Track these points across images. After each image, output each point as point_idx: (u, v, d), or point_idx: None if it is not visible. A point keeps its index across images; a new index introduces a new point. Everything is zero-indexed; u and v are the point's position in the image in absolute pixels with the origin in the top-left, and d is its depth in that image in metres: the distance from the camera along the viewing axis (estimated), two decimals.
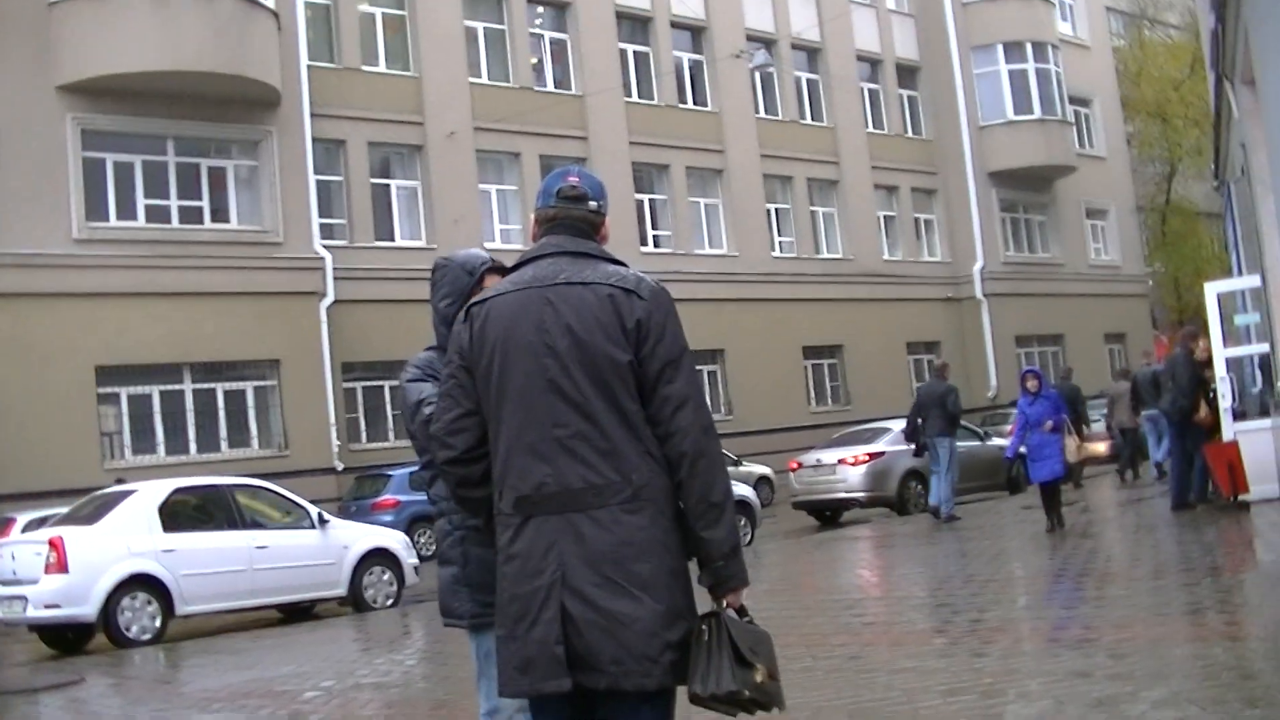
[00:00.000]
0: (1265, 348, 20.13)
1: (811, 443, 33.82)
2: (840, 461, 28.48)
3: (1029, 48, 52.21)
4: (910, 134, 52.31)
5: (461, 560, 5.62)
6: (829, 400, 47.09)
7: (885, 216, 50.63)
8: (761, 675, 4.49)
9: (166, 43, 30.43)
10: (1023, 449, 21.12)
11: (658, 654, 4.36)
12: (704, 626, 4.47)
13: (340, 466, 33.59)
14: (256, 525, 20.03)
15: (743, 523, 21.63)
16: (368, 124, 36.40)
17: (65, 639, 18.84)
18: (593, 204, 4.80)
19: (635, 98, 43.00)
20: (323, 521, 20.52)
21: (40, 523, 22.23)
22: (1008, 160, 51.72)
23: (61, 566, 17.77)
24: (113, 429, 31.07)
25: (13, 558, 18.70)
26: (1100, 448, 26.99)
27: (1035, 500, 21.63)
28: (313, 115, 34.51)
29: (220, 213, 33.31)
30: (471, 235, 35.78)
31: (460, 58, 38.55)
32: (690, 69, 45.37)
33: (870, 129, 50.42)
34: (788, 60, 47.82)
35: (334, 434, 33.80)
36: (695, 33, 45.49)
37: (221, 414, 32.63)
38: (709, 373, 41.71)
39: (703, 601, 4.52)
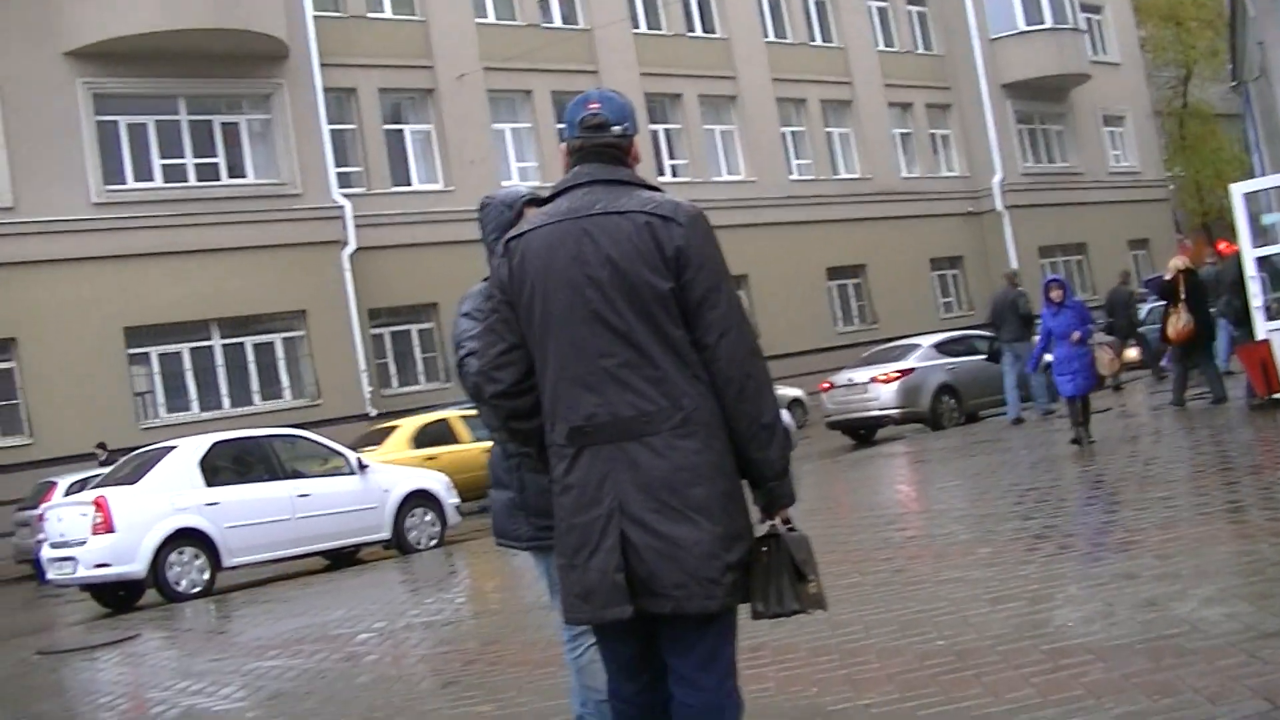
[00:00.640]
0: None
1: (840, 363, 33.78)
2: (872, 380, 28.48)
3: None
4: (921, 50, 52.13)
5: (519, 485, 5.68)
6: (855, 320, 47.15)
7: (901, 134, 50.53)
8: (815, 586, 4.59)
9: (170, 2, 30.40)
10: (1048, 358, 20.24)
11: (719, 575, 4.39)
12: (764, 549, 4.54)
13: (373, 412, 33.72)
14: (297, 474, 20.11)
15: None
16: (377, 70, 36.41)
17: (116, 597, 18.94)
18: (617, 129, 4.75)
19: (644, 29, 42.92)
20: (362, 467, 20.58)
21: (81, 485, 22.43)
22: (1021, 71, 51.52)
23: (108, 526, 17.90)
24: (145, 389, 31.32)
25: (59, 520, 18.89)
26: (1132, 353, 27.01)
27: (1059, 407, 21.72)
28: (322, 65, 34.52)
29: (236, 168, 33.41)
30: (488, 176, 35.78)
31: None
32: None
33: (881, 47, 50.28)
34: None
35: (364, 380, 33.96)
36: None
37: (252, 367, 32.85)
38: None
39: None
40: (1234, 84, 31.53)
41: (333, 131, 34.95)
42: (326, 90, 34.78)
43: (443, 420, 27.09)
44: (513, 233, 4.77)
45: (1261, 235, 20.94)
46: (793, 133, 46.90)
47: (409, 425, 26.87)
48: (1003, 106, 51.78)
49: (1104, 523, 11.91)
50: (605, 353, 4.47)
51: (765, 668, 7.96)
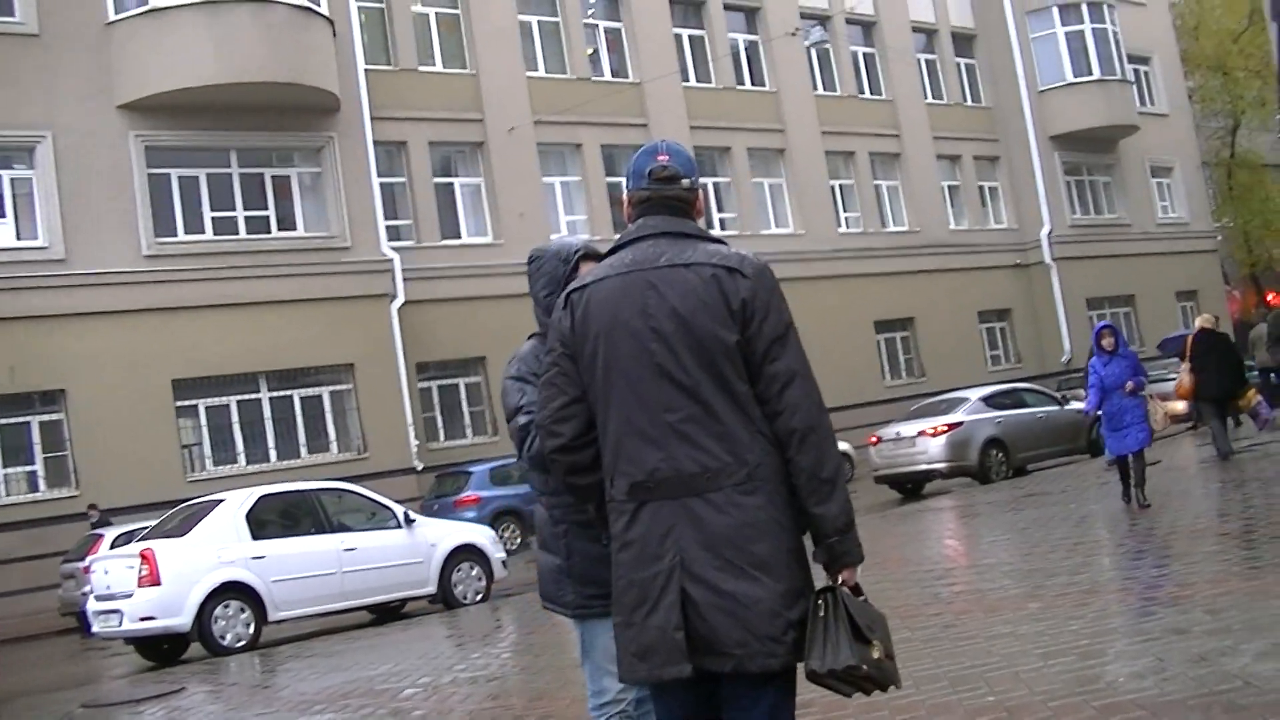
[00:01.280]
0: None
1: (888, 417, 33.75)
2: (920, 433, 28.45)
3: (1085, 8, 51.93)
4: (969, 102, 52.12)
5: (565, 553, 5.62)
6: (903, 373, 47.06)
7: (949, 186, 50.48)
8: (879, 652, 4.49)
9: (223, 55, 30.67)
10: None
11: (781, 633, 4.35)
12: (820, 602, 4.45)
13: (420, 466, 33.81)
14: (343, 528, 20.13)
15: None
16: (428, 124, 36.60)
17: (161, 650, 18.97)
18: (685, 181, 4.75)
19: (693, 82, 43.05)
20: (409, 521, 20.59)
21: (128, 537, 22.50)
22: (1069, 123, 51.45)
23: (154, 579, 17.94)
24: (192, 441, 31.39)
25: (105, 572, 18.91)
26: (1179, 406, 27.02)
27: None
28: (373, 118, 34.69)
29: (287, 221, 33.55)
30: (537, 229, 35.88)
31: (516, 52, 38.68)
32: (746, 49, 45.37)
33: (929, 99, 50.28)
34: (843, 35, 47.71)
35: (411, 434, 34.00)
36: (749, 13, 45.51)
37: (299, 420, 32.89)
38: None
39: (818, 578, 4.52)
40: None
41: (383, 184, 35.12)
42: (377, 143, 34.95)
43: None
44: (575, 284, 4.74)
45: None
46: (841, 185, 46.92)
47: None
48: (1051, 158, 51.72)
49: (1154, 576, 11.83)
50: (669, 407, 4.45)
51: None
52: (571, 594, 5.63)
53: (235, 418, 31.99)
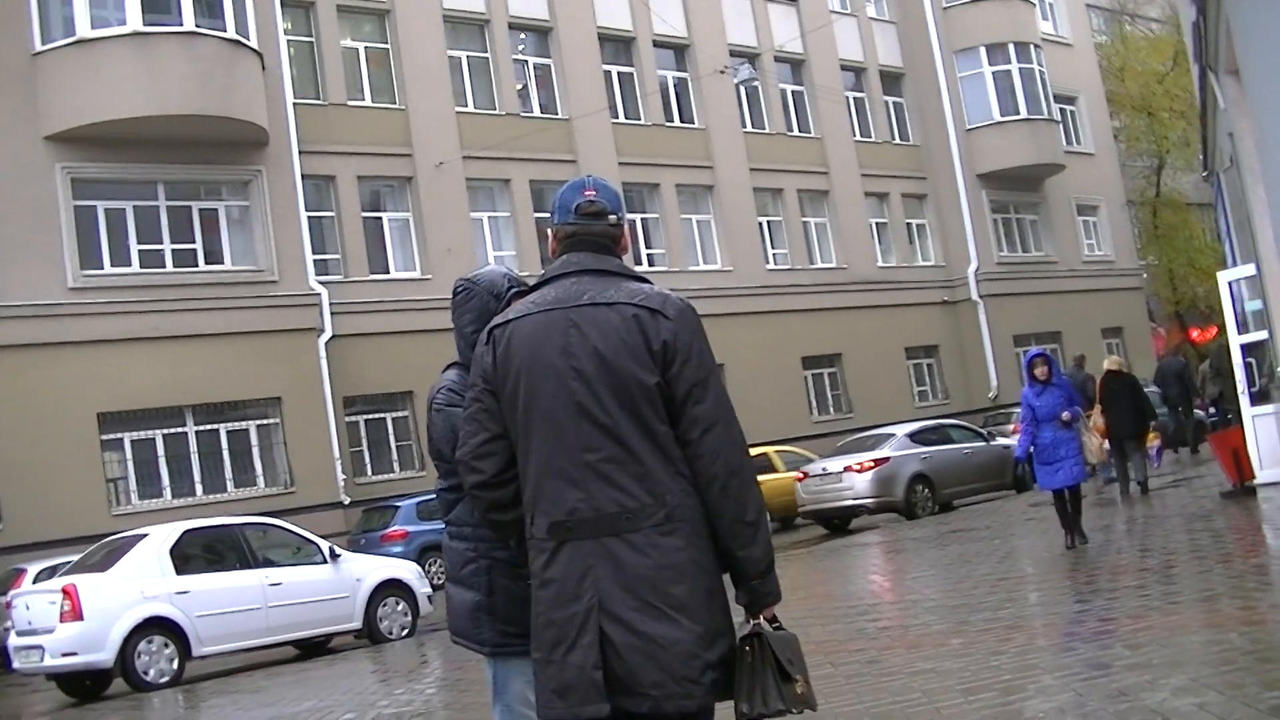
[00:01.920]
0: (1264, 334, 20.16)
1: (816, 452, 33.86)
2: (846, 469, 28.55)
3: (1011, 49, 52.33)
4: (898, 140, 52.41)
5: (487, 589, 5.52)
6: (830, 409, 47.13)
7: (877, 223, 50.70)
8: (801, 686, 4.52)
9: (152, 88, 30.51)
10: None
11: (698, 675, 4.36)
12: (747, 648, 4.47)
13: (347, 500, 33.64)
14: (268, 563, 20.07)
15: None
16: (356, 158, 36.48)
17: (83, 686, 18.85)
18: (612, 217, 4.75)
19: (622, 118, 43.09)
20: (334, 556, 20.57)
21: (51, 572, 22.37)
22: (996, 161, 51.81)
23: (76, 614, 17.82)
24: (118, 475, 31.12)
25: (27, 608, 18.77)
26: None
27: (1043, 497, 21.45)
28: (301, 152, 34.57)
29: (214, 254, 33.34)
30: (465, 264, 35.75)
31: (445, 88, 38.65)
32: (675, 87, 45.47)
33: (858, 137, 50.50)
34: (772, 73, 47.89)
35: (339, 468, 33.84)
36: (678, 50, 45.60)
37: (226, 454, 32.64)
38: None
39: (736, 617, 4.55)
40: (1205, 174, 31.74)
41: (311, 218, 34.98)
42: (305, 177, 34.82)
43: (763, 454, 31.11)
44: (497, 320, 4.74)
45: (1244, 324, 21.10)
46: (769, 222, 47.05)
47: None
48: (978, 196, 52.05)
49: (1076, 612, 11.91)
50: (589, 447, 4.44)
51: None
52: (490, 632, 5.54)
53: (161, 451, 31.69)
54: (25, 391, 29.03)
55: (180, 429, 31.99)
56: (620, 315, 4.47)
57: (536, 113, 41.26)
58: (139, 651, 18.09)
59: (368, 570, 21.10)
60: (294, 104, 34.84)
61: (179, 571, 18.82)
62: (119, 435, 31.06)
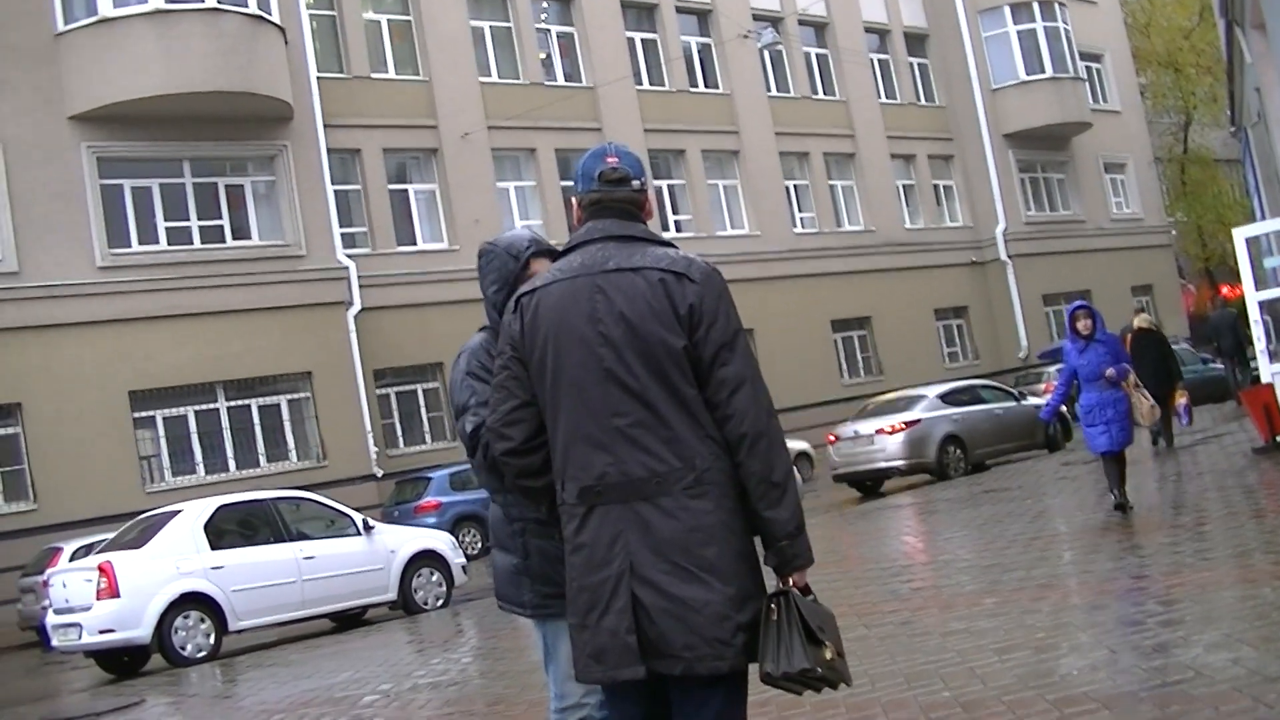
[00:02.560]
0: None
1: (847, 415, 33.78)
2: (878, 431, 28.45)
3: (1036, 7, 52.16)
4: (923, 102, 52.31)
5: (522, 552, 5.55)
6: (861, 372, 47.14)
7: (904, 186, 50.65)
8: (831, 652, 4.51)
9: (174, 65, 30.56)
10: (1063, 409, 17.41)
11: (730, 636, 4.36)
12: (773, 606, 4.47)
13: (379, 473, 33.75)
14: (302, 536, 20.07)
15: None
16: (381, 131, 36.53)
17: (121, 663, 18.87)
18: (635, 183, 4.75)
19: (646, 85, 43.07)
20: (368, 528, 20.57)
21: (87, 550, 22.47)
22: (1022, 121, 51.68)
23: (113, 591, 17.87)
24: (150, 452, 31.28)
25: (64, 586, 18.82)
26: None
27: (1075, 456, 21.34)
28: (326, 126, 34.64)
29: (241, 230, 33.44)
30: (492, 234, 35.39)
31: (469, 58, 38.66)
32: (699, 52, 45.43)
33: (883, 99, 50.43)
34: (796, 37, 47.81)
35: (370, 441, 33.93)
36: (701, 16, 45.54)
37: (258, 429, 32.79)
38: None
39: (769, 580, 4.54)
40: (1233, 129, 31.65)
41: (337, 192, 35.06)
42: (330, 151, 34.90)
43: None
44: (525, 288, 4.74)
45: (1263, 281, 20.92)
46: (796, 186, 47.02)
47: None
48: (1005, 156, 51.92)
49: (1109, 570, 11.87)
50: (618, 411, 4.45)
51: None
52: (530, 594, 5.56)
53: (193, 428, 31.85)
54: (56, 371, 29.18)
55: (212, 405, 32.12)
56: (646, 280, 4.48)
57: (560, 81, 41.26)
58: (175, 627, 18.13)
59: (401, 542, 21.11)
60: (317, 78, 34.89)
61: (213, 547, 18.84)
62: (151, 413, 31.20)
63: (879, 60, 51.15)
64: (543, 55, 41.11)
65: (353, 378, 33.89)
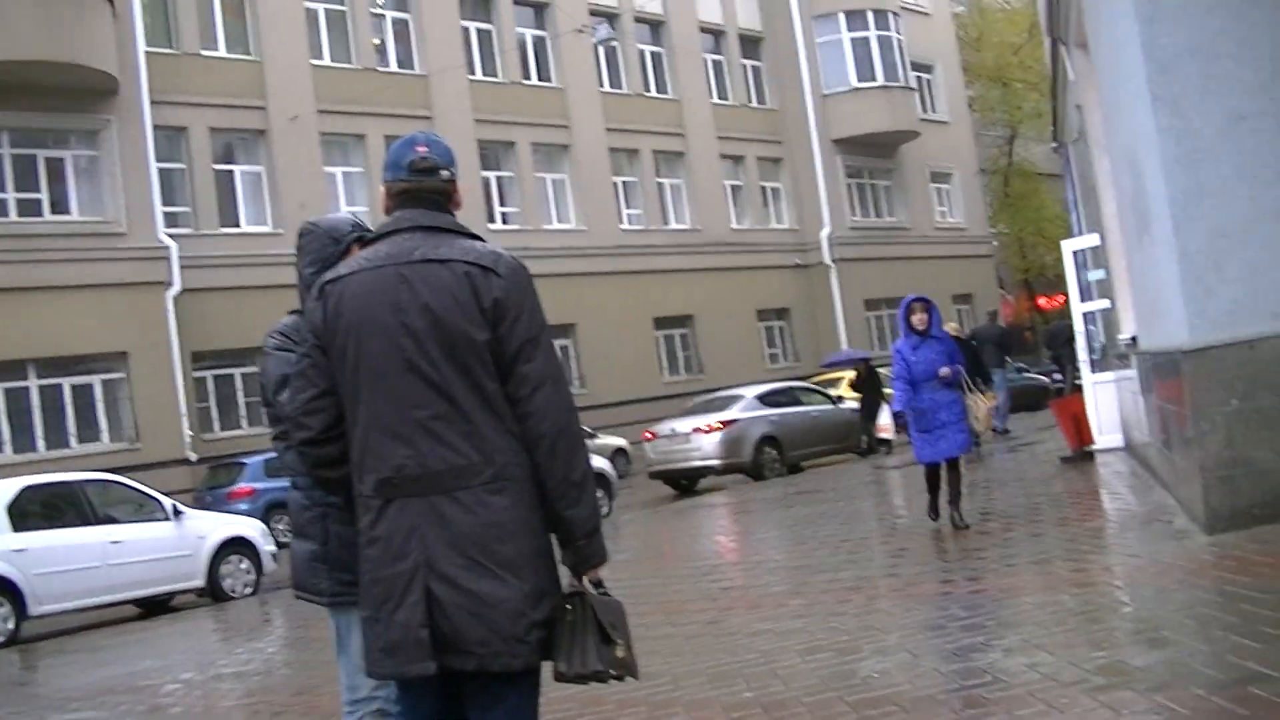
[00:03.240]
0: (1106, 304, 20.47)
1: (666, 413, 33.97)
2: (694, 430, 28.66)
3: (870, 15, 52.73)
4: (755, 104, 52.65)
5: (322, 537, 5.51)
6: (682, 370, 47.37)
7: (732, 186, 50.96)
8: (622, 650, 4.51)
9: None
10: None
11: (524, 634, 4.33)
12: (568, 606, 4.46)
13: (194, 457, 33.29)
14: (109, 520, 19.76)
15: (600, 495, 21.57)
16: (209, 109, 36.03)
17: None
18: (444, 173, 4.69)
19: (479, 75, 42.95)
20: (177, 513, 20.33)
21: None
22: (852, 127, 52.25)
23: None
24: None
25: None
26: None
27: (888, 460, 21.56)
28: (152, 102, 34.08)
29: (60, 204, 32.82)
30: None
31: (301, 40, 38.28)
32: (534, 45, 45.33)
33: (715, 100, 50.71)
34: (631, 33, 47.93)
35: (185, 425, 33.49)
36: (538, 8, 45.50)
37: (69, 409, 32.17)
38: (561, 347, 41.53)
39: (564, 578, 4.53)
40: (1055, 145, 32.19)
41: (161, 170, 34.50)
42: (156, 128, 34.33)
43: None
44: (330, 275, 4.66)
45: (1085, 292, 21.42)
46: (625, 183, 47.15)
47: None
48: (833, 161, 52.46)
49: (914, 574, 12.01)
50: (418, 404, 4.39)
51: (573, 719, 7.96)
52: (327, 581, 5.52)
53: (2, 406, 31.19)
54: None
55: (22, 383, 31.47)
56: (452, 272, 4.42)
57: (393, 68, 41.01)
58: None
59: (211, 528, 20.90)
60: (146, 52, 34.31)
61: (16, 529, 18.45)
62: None
63: (713, 61, 51.43)
64: (376, 41, 40.82)
65: (169, 359, 33.40)
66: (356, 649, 5.34)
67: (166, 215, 34.44)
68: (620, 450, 38.19)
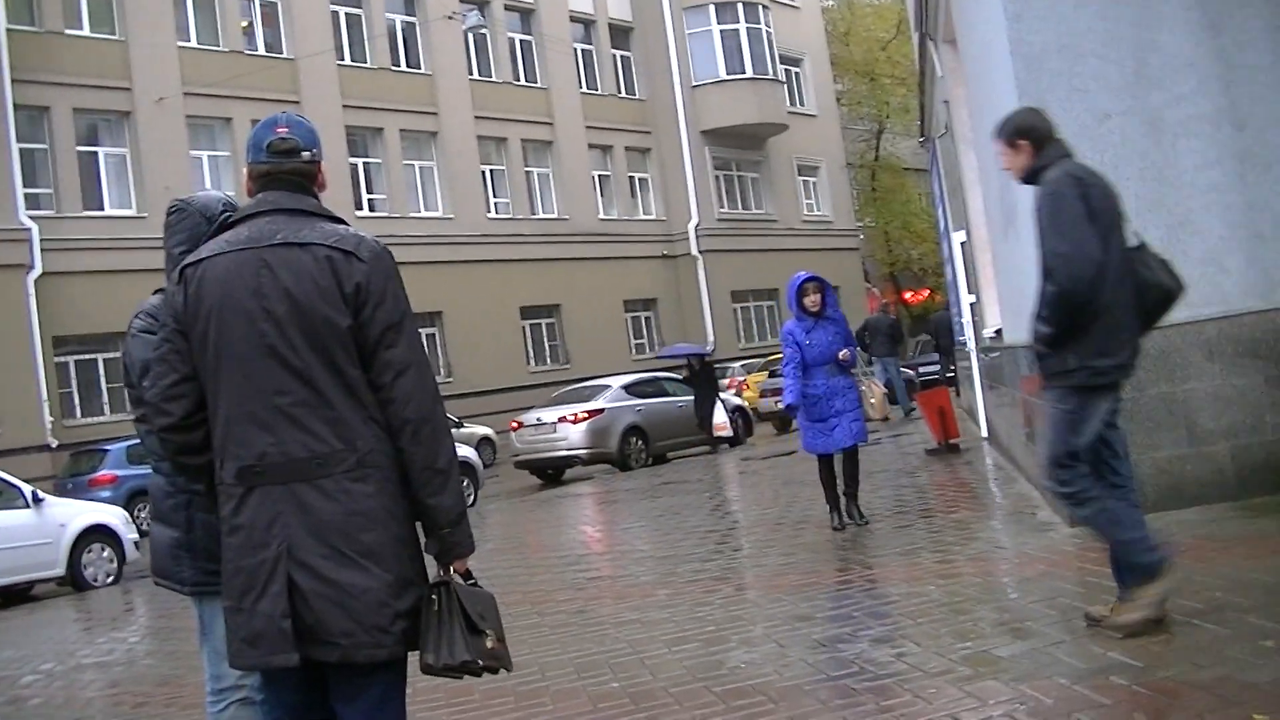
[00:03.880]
0: (973, 298, 20.68)
1: (532, 402, 33.97)
2: (560, 420, 28.71)
3: (740, 8, 52.99)
4: (624, 94, 52.70)
5: (185, 525, 5.45)
6: (548, 360, 47.36)
7: (600, 176, 51.00)
8: (492, 641, 4.49)
9: None
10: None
11: (388, 624, 4.29)
12: (434, 596, 4.41)
13: (54, 443, 32.82)
14: None
15: (465, 484, 21.49)
16: (73, 90, 35.48)
17: None
18: (305, 154, 4.64)
19: (348, 61, 42.67)
20: (37, 500, 20.02)
21: None
22: (721, 119, 52.47)
23: None
24: None
25: None
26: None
27: (754, 451, 21.70)
28: (14, 81, 33.56)
29: None
30: None
31: (168, 21, 37.81)
32: (403, 31, 45.08)
33: (584, 89, 50.72)
34: (501, 21, 47.79)
35: (46, 410, 32.99)
36: None
37: None
38: (427, 335, 41.41)
39: (431, 567, 4.51)
40: (922, 140, 32.49)
41: (22, 150, 33.98)
42: (17, 107, 33.80)
43: None
44: (189, 259, 4.57)
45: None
46: (492, 171, 47.03)
47: None
48: (701, 152, 52.64)
49: (781, 565, 12.07)
50: (280, 390, 4.33)
51: (439, 710, 7.97)
52: (190, 569, 5.46)
53: None
54: None
55: None
56: (313, 256, 4.37)
57: (261, 51, 40.64)
58: None
59: (72, 515, 20.59)
60: (6, 29, 33.79)
61: None
62: None
63: (582, 50, 51.43)
64: (244, 23, 40.43)
65: (29, 344, 32.88)
66: (220, 638, 5.28)
67: (28, 197, 33.90)
68: (486, 439, 38.17)
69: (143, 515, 26.32)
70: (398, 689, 4.52)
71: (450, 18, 44.49)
